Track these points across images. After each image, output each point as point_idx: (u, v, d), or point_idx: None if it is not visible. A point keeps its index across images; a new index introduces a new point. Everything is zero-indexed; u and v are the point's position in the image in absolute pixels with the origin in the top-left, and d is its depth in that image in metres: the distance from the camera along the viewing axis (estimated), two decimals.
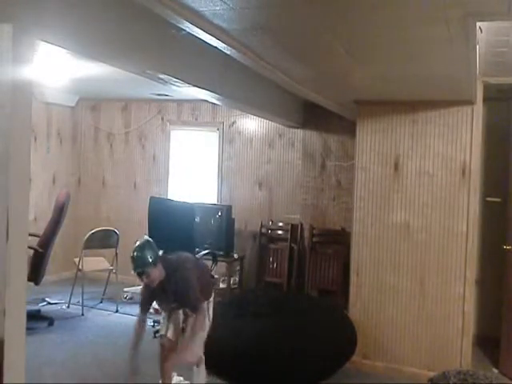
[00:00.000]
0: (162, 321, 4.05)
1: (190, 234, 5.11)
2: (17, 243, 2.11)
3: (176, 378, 4.16)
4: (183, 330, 3.76)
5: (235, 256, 6.35)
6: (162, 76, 3.29)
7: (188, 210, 5.23)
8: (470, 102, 4.36)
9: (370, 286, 4.68)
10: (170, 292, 3.52)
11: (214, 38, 2.51)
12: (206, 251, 5.51)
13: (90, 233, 5.96)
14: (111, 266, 6.27)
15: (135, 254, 3.39)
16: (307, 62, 3.27)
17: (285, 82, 3.73)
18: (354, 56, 3.00)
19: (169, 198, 6.88)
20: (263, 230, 6.58)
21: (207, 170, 7.03)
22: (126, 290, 6.65)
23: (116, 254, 6.20)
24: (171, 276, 3.48)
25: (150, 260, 3.37)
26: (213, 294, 3.86)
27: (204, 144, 7.10)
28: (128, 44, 2.82)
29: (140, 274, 3.41)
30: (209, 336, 3.69)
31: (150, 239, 3.55)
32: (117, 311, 6.00)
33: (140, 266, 3.38)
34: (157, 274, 3.43)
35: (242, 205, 6.69)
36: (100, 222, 7.08)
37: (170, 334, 3.80)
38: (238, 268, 6.54)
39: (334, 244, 6.23)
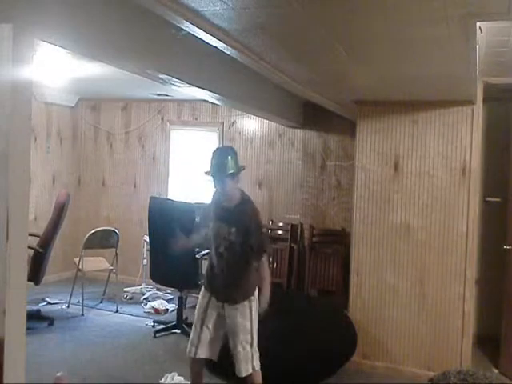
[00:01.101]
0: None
1: (190, 234, 5.10)
2: (17, 243, 2.11)
3: (176, 378, 4.17)
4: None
5: None
6: (161, 76, 3.29)
7: (188, 209, 5.22)
8: (470, 102, 4.36)
9: (370, 286, 4.68)
10: (238, 219, 3.32)
11: (214, 38, 2.51)
12: (207, 251, 5.50)
13: (90, 233, 5.96)
14: (111, 266, 6.27)
15: (216, 159, 3.28)
16: (307, 62, 3.27)
17: (285, 82, 3.73)
18: (353, 56, 3.00)
19: (169, 198, 6.87)
20: (263, 230, 6.57)
21: (207, 170, 7.01)
22: (126, 289, 6.66)
23: (116, 253, 6.20)
24: (246, 204, 3.37)
25: (232, 170, 3.26)
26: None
27: (204, 144, 7.10)
28: (128, 44, 2.82)
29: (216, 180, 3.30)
30: None
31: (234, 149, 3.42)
32: (117, 311, 6.00)
33: (219, 171, 3.27)
34: (233, 189, 3.34)
35: None
36: (100, 221, 7.08)
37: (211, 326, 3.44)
38: None
39: (334, 244, 6.23)
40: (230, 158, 3.30)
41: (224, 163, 3.27)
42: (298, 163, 6.55)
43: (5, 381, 2.08)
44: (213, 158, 3.34)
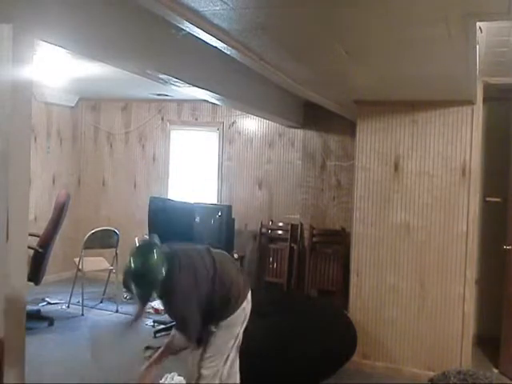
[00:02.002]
0: None
1: (190, 234, 5.10)
2: (17, 243, 2.11)
3: (176, 378, 4.17)
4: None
5: (235, 256, 6.34)
6: (162, 76, 3.29)
7: (188, 209, 5.22)
8: (470, 102, 4.36)
9: (369, 286, 4.68)
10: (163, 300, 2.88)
11: (214, 38, 2.51)
12: None
13: (90, 233, 5.96)
14: (111, 266, 6.26)
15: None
16: (307, 62, 3.27)
17: (285, 81, 3.73)
18: (354, 56, 2.99)
19: (169, 198, 6.87)
20: (263, 230, 6.58)
21: (207, 169, 7.03)
22: None
23: (116, 253, 6.20)
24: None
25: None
26: (243, 306, 3.02)
27: (204, 144, 7.10)
28: (128, 44, 2.82)
29: None
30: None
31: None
32: (117, 311, 6.00)
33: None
34: None
35: (241, 205, 6.68)
36: (100, 221, 7.07)
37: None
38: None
39: (334, 244, 6.23)
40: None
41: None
42: (298, 163, 6.55)
43: (5, 381, 2.08)
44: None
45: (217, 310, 2.93)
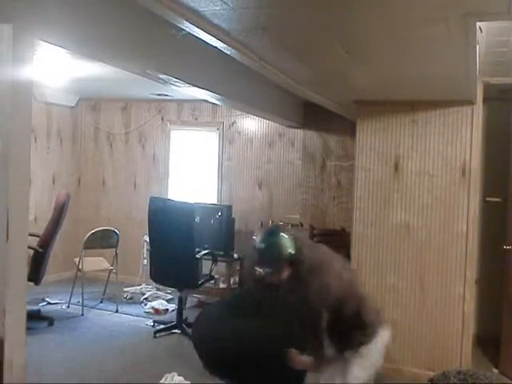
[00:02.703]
0: None
1: (190, 233, 5.11)
2: (17, 243, 2.11)
3: (176, 378, 4.17)
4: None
5: (235, 256, 6.35)
6: (161, 76, 3.29)
7: (188, 209, 5.22)
8: (470, 102, 4.36)
9: (369, 286, 4.68)
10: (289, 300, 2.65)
11: (214, 38, 2.51)
12: (206, 251, 5.51)
13: (90, 233, 5.96)
14: (111, 266, 6.26)
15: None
16: (307, 62, 3.27)
17: (285, 82, 3.73)
18: (354, 56, 2.99)
19: (169, 198, 6.87)
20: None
21: (207, 169, 7.03)
22: (125, 289, 6.66)
23: (116, 253, 6.20)
24: (302, 276, 2.55)
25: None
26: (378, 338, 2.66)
27: (204, 144, 7.10)
28: (128, 44, 2.82)
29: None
30: (209, 336, 3.67)
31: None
32: (117, 311, 6.00)
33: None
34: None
35: (241, 205, 6.69)
36: (100, 221, 7.08)
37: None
38: (238, 268, 6.53)
39: (334, 244, 6.19)
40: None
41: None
42: (298, 163, 6.55)
43: (5, 381, 2.08)
44: None
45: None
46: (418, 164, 4.56)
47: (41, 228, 5.57)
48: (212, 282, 5.89)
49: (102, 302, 6.27)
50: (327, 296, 2.51)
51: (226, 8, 2.14)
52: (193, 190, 7.04)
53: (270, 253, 2.62)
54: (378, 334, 2.68)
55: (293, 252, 2.59)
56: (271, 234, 2.70)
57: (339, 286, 2.57)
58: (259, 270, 2.61)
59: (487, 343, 5.03)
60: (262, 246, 2.64)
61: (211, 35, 2.46)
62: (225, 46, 2.64)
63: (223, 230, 6.23)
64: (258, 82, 4.30)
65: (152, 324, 5.59)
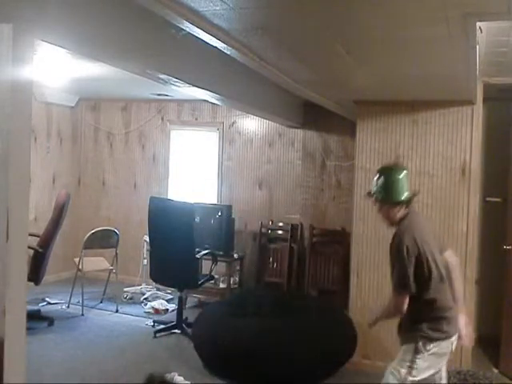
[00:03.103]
0: None
1: (190, 233, 5.11)
2: (17, 243, 2.11)
3: (176, 378, 4.16)
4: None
5: (235, 256, 6.35)
6: (161, 76, 3.29)
7: (188, 209, 5.22)
8: (470, 102, 4.36)
9: (369, 286, 4.68)
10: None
11: (214, 38, 2.51)
12: (206, 251, 5.52)
13: (90, 233, 5.96)
14: (111, 266, 6.27)
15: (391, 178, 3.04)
16: (307, 62, 3.27)
17: (285, 82, 3.73)
18: (354, 56, 3.00)
19: (169, 198, 6.88)
20: (263, 230, 6.58)
21: (207, 169, 7.03)
22: (126, 289, 6.66)
23: (116, 253, 6.20)
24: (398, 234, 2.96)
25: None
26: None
27: (204, 144, 7.10)
28: (128, 44, 2.82)
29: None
30: (209, 336, 3.68)
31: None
32: (117, 311, 6.00)
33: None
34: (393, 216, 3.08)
35: (242, 205, 6.69)
36: (100, 221, 7.08)
37: None
38: (238, 268, 6.54)
39: (334, 244, 6.23)
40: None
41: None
42: (298, 163, 6.55)
43: (5, 381, 2.08)
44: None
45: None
46: (418, 164, 4.56)
47: (41, 228, 5.57)
48: (212, 281, 5.90)
49: (101, 302, 6.27)
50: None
51: (226, 8, 2.14)
52: (193, 190, 7.04)
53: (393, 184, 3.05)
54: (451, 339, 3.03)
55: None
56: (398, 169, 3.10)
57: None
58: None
59: (487, 343, 5.03)
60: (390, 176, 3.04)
61: (211, 35, 2.46)
62: (225, 45, 2.64)
63: (223, 229, 6.24)
64: (258, 82, 4.30)
65: (152, 324, 5.59)
